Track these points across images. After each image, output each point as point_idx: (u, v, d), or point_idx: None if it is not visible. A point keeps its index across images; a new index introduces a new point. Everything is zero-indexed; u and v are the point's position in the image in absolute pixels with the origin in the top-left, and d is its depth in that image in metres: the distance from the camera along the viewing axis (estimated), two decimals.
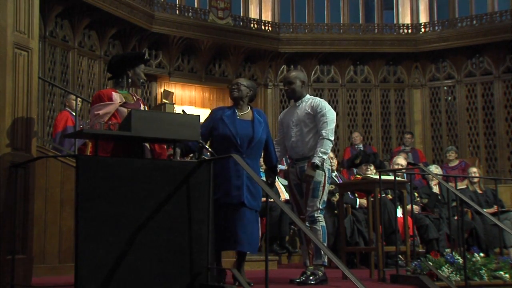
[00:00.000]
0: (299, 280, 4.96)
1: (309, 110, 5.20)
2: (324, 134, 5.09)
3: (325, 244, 5.14)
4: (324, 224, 5.14)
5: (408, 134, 11.94)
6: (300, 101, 5.30)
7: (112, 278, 3.73)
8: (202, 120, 4.60)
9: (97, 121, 4.01)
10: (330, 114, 5.19)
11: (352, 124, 13.10)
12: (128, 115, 3.95)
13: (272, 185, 5.19)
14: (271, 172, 5.24)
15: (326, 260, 5.06)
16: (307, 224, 5.02)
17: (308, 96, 5.35)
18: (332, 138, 5.14)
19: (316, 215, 5.06)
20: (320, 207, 5.09)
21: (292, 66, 13.19)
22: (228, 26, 12.38)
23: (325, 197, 5.13)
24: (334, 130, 5.19)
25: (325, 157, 5.09)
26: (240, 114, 4.99)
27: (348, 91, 13.30)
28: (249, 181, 4.80)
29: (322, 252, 4.95)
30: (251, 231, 4.87)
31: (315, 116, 5.17)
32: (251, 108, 5.10)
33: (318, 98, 5.36)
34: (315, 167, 5.03)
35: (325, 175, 5.10)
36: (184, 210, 4.07)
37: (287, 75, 5.45)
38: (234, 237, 4.76)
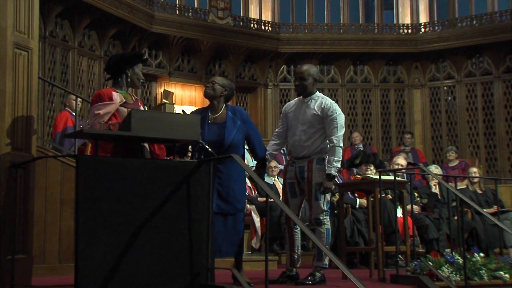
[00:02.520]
0: (279, 280, 4.98)
1: (318, 112, 5.05)
2: (335, 141, 4.96)
3: (328, 247, 5.06)
4: (329, 227, 5.06)
5: (408, 134, 11.94)
6: (309, 98, 5.13)
7: (112, 278, 3.72)
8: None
9: (97, 120, 4.01)
10: (340, 119, 5.05)
11: (352, 124, 13.11)
12: (128, 115, 3.94)
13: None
14: (259, 166, 5.16)
15: (327, 262, 5.04)
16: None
17: (318, 93, 5.18)
18: (342, 145, 5.02)
19: (321, 217, 5.00)
20: (325, 208, 5.03)
21: (292, 66, 13.20)
22: (228, 26, 12.38)
23: (328, 197, 5.07)
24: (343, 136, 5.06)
25: (339, 165, 4.98)
26: (212, 117, 4.86)
27: (348, 91, 13.31)
28: (220, 186, 4.73)
29: (323, 255, 4.93)
30: (229, 236, 4.79)
31: (324, 119, 5.03)
32: (226, 106, 4.93)
33: (328, 98, 5.17)
34: (332, 177, 4.94)
35: None
36: (184, 210, 4.07)
37: (299, 69, 5.22)
38: (214, 244, 4.66)
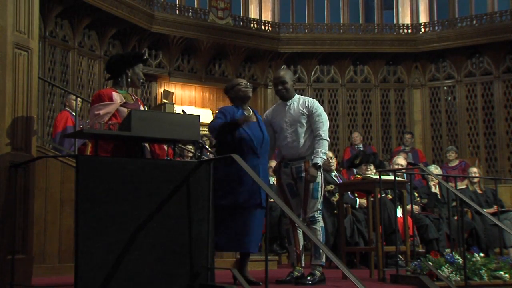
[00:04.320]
0: (287, 279, 5.00)
1: (304, 110, 5.18)
2: (322, 134, 5.11)
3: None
4: (323, 225, 5.17)
5: (408, 134, 11.94)
6: (290, 101, 5.25)
7: (112, 278, 3.73)
8: (201, 120, 4.59)
9: (97, 121, 4.01)
10: (324, 115, 5.22)
11: (352, 124, 13.10)
12: (128, 115, 3.95)
13: None
14: None
15: (324, 260, 5.07)
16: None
17: (297, 95, 5.32)
18: (328, 139, 5.19)
19: (316, 215, 5.08)
20: (320, 207, 5.12)
21: (292, 66, 13.19)
22: (228, 26, 12.38)
23: (321, 197, 5.19)
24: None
25: (325, 157, 5.13)
26: (249, 116, 5.00)
27: (348, 91, 13.30)
28: (263, 179, 4.90)
29: (321, 252, 4.96)
30: (260, 230, 5.00)
31: (310, 116, 5.17)
32: (250, 107, 5.14)
33: (308, 97, 5.36)
34: (318, 167, 5.05)
35: (321, 176, 5.16)
36: (184, 210, 4.07)
37: (278, 75, 5.34)
38: (248, 238, 4.80)
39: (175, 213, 4.03)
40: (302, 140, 5.15)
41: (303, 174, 5.10)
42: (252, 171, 4.18)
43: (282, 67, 13.17)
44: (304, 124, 5.17)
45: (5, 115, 4.31)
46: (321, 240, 5.01)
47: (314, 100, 5.30)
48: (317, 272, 5.02)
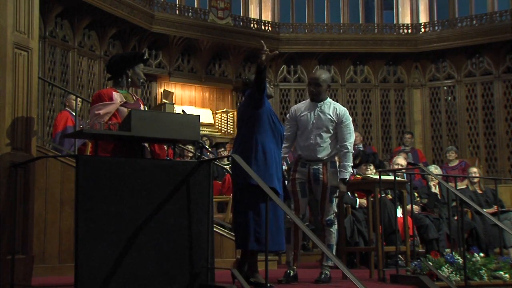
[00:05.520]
0: (282, 280, 5.01)
1: (334, 117, 5.23)
2: (349, 147, 5.19)
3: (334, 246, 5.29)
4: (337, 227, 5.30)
5: (408, 134, 11.94)
6: (322, 103, 5.28)
7: (112, 278, 3.73)
8: (201, 120, 4.55)
9: (97, 121, 4.01)
10: (352, 126, 5.30)
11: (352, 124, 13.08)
12: (128, 115, 3.95)
13: None
14: None
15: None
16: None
17: (329, 99, 5.35)
18: (353, 150, 5.28)
19: (333, 218, 5.18)
20: (336, 210, 5.24)
21: (292, 66, 13.20)
22: (228, 26, 12.38)
23: (336, 200, 5.31)
24: None
25: (351, 170, 5.26)
26: None
27: (348, 91, 13.31)
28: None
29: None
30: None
31: (338, 124, 5.23)
32: None
33: (339, 104, 5.39)
34: (347, 182, 5.17)
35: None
36: (184, 210, 4.07)
37: (315, 76, 5.39)
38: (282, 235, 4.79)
39: (175, 213, 4.03)
40: (324, 145, 5.20)
41: (321, 178, 5.16)
42: (253, 171, 4.19)
43: (282, 67, 13.19)
44: (331, 130, 5.22)
45: (5, 115, 4.31)
46: (335, 242, 5.18)
47: (346, 109, 5.35)
48: (327, 272, 5.13)
